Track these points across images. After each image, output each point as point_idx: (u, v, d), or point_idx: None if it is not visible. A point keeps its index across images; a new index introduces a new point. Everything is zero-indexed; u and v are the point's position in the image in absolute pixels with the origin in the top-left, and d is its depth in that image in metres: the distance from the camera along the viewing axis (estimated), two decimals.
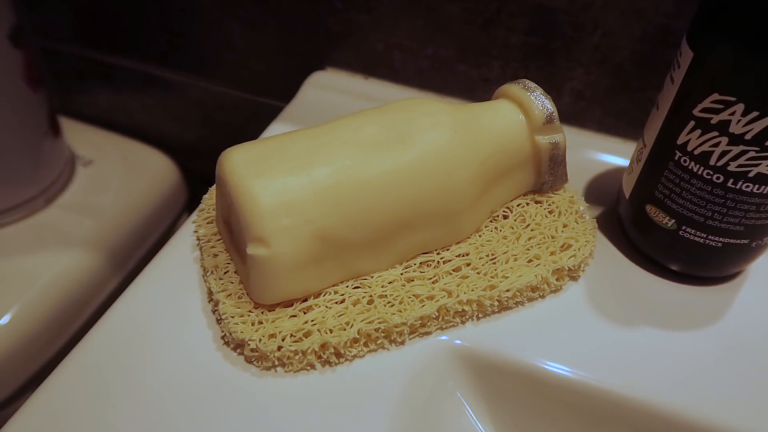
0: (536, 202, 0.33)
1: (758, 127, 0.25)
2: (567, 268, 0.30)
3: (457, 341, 0.28)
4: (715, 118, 0.26)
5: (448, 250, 0.30)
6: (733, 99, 0.25)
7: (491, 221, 0.32)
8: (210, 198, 0.33)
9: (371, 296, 0.28)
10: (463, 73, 0.41)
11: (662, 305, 0.30)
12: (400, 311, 0.27)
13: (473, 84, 0.42)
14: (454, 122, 0.28)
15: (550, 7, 0.36)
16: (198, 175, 0.59)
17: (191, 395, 0.26)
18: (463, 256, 0.30)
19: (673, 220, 0.29)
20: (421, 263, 0.29)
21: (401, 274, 0.29)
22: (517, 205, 0.32)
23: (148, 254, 0.52)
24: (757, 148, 0.25)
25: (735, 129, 0.25)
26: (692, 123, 0.27)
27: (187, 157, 0.58)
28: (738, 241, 0.28)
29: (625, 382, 0.27)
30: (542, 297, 0.30)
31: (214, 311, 0.28)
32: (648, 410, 0.26)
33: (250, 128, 0.47)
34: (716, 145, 0.26)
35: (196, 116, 0.55)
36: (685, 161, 0.28)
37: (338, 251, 0.27)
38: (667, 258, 0.31)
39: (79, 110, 0.59)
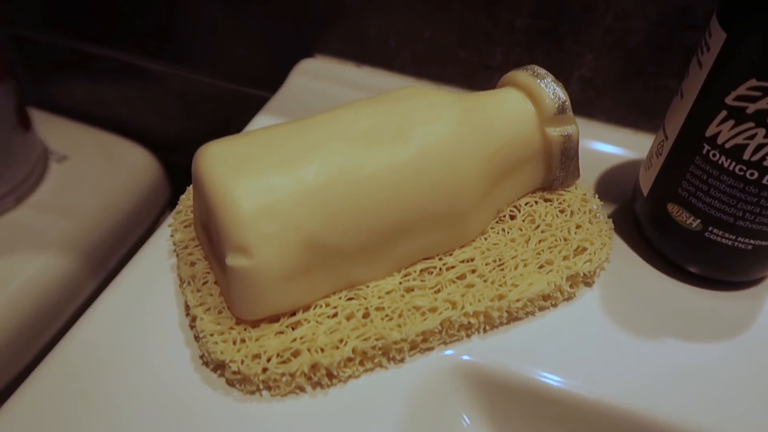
0: (546, 201, 0.30)
1: None
2: (582, 274, 0.28)
3: (465, 357, 0.26)
4: (752, 107, 0.23)
5: (451, 255, 0.28)
6: None
7: (497, 222, 0.29)
8: (188, 198, 0.30)
9: (367, 309, 0.25)
10: (464, 60, 0.40)
11: (685, 313, 0.28)
12: (399, 326, 0.25)
13: (474, 71, 0.40)
14: (457, 113, 0.26)
15: None
16: (181, 170, 0.57)
17: (166, 422, 0.23)
18: (468, 261, 0.28)
19: (699, 221, 0.27)
20: (421, 270, 0.27)
21: (400, 283, 0.26)
22: (525, 204, 0.30)
23: (127, 256, 0.50)
24: None
25: None
26: (724, 113, 0.24)
27: (169, 152, 0.56)
28: None
29: (650, 403, 0.25)
30: (554, 305, 0.28)
31: (191, 326, 0.26)
32: None
33: (236, 120, 0.46)
34: (751, 137, 0.24)
35: (178, 108, 0.53)
36: (714, 155, 0.25)
37: (330, 259, 0.24)
38: (690, 261, 0.29)
39: (53, 102, 0.57)
